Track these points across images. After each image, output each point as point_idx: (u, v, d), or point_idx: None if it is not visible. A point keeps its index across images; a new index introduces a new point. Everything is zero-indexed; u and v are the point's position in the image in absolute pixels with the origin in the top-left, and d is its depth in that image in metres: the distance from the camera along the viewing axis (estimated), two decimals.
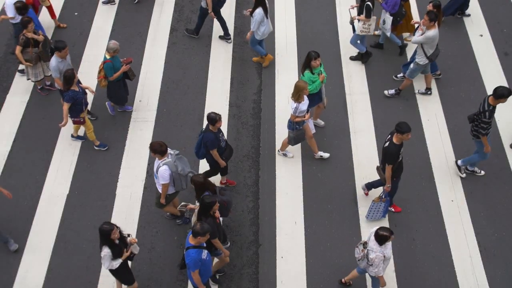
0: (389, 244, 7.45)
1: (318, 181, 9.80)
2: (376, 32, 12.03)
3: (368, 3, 10.81)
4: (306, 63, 9.48)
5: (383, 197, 8.78)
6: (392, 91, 11.06)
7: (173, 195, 8.61)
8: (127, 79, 10.33)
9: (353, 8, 11.37)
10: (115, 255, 7.39)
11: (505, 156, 10.12)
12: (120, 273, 7.72)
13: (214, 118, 8.48)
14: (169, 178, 8.16)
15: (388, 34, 11.44)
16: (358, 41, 11.51)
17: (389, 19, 11.10)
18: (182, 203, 8.28)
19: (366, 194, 9.51)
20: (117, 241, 7.37)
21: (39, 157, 10.15)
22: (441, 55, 11.84)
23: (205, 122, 10.67)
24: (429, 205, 9.46)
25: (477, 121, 8.96)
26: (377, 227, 7.42)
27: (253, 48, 11.45)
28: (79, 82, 9.71)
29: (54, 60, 9.69)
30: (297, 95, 9.07)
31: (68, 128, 10.54)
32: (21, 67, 11.56)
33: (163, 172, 8.09)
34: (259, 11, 10.73)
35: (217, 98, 11.13)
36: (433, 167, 9.95)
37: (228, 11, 12.81)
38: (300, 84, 9.02)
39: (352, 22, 11.43)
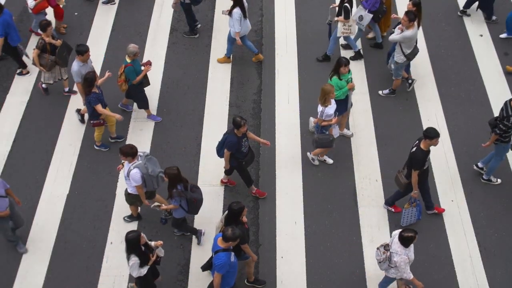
0: (412, 246, 7.44)
1: (318, 181, 9.80)
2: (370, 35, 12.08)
3: (346, 4, 10.78)
4: (335, 68, 9.42)
5: (413, 202, 8.73)
6: (386, 91, 11.07)
7: (145, 194, 8.62)
8: None
9: (333, 8, 11.29)
10: (142, 262, 7.35)
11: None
12: (147, 279, 7.68)
13: (239, 123, 8.40)
14: (140, 180, 8.21)
15: (363, 29, 11.42)
16: (350, 41, 11.51)
17: (368, 16, 11.08)
18: (156, 203, 8.33)
19: (394, 211, 9.27)
20: (142, 248, 7.34)
21: (39, 157, 10.15)
22: (441, 55, 11.85)
23: (205, 122, 10.70)
24: None
25: (499, 125, 8.85)
26: (399, 230, 7.43)
27: (227, 44, 11.44)
28: None
29: (75, 65, 9.61)
30: (323, 99, 8.99)
31: (68, 128, 10.55)
32: (19, 69, 11.52)
33: (134, 174, 8.13)
34: (236, 10, 10.76)
35: (217, 98, 11.13)
36: (433, 167, 9.94)
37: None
38: (326, 88, 8.94)
39: (329, 23, 11.41)
